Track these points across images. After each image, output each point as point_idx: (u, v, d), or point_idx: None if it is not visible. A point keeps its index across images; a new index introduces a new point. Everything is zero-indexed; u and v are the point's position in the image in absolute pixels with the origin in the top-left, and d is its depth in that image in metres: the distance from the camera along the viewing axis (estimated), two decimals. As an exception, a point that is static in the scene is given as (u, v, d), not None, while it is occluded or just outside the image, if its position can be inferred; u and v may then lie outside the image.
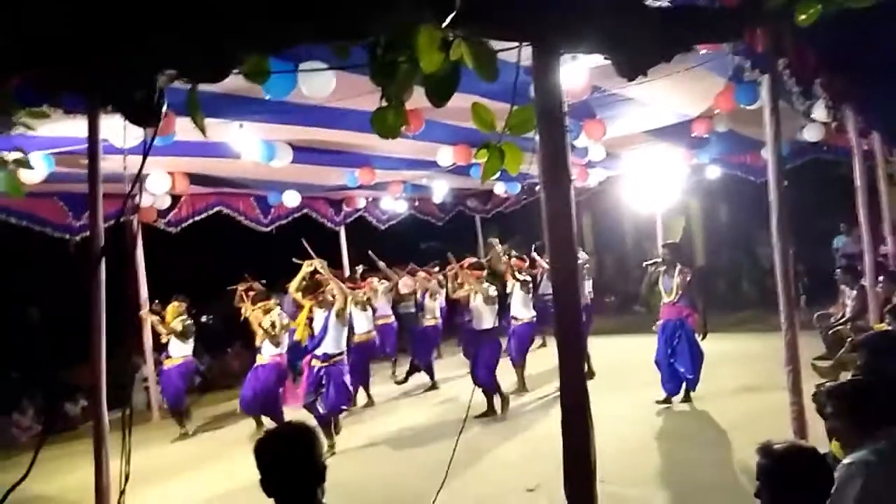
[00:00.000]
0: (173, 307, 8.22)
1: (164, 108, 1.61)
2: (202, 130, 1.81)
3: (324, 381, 6.72)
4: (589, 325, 9.58)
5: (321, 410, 6.69)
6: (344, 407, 7.07)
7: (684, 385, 7.30)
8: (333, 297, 6.81)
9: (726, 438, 5.95)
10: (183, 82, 1.59)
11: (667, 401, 7.28)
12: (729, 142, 9.16)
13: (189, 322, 8.24)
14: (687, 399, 7.29)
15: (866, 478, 2.44)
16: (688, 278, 7.22)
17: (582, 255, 9.62)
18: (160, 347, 8.61)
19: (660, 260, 7.46)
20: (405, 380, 9.67)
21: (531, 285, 8.96)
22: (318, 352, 6.78)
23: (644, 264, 8.05)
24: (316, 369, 6.78)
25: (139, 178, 1.79)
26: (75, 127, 4.33)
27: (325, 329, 6.75)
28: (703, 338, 7.23)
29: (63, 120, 4.06)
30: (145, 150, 1.67)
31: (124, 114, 1.58)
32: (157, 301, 8.70)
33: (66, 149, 5.58)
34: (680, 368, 7.24)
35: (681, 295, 7.22)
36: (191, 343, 8.30)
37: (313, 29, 1.50)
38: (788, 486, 2.17)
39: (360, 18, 1.46)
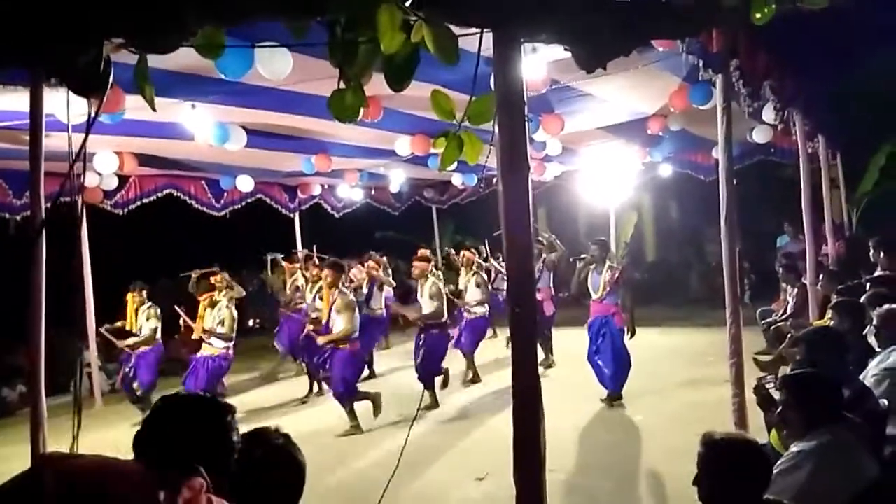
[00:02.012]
0: (132, 297, 7.98)
1: (111, 79, 1.54)
2: (151, 104, 1.74)
3: (328, 364, 7.00)
4: (552, 315, 9.66)
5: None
6: (343, 396, 6.99)
7: (609, 387, 7.12)
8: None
9: (671, 429, 6.09)
10: (131, 52, 1.52)
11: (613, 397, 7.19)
12: (681, 140, 9.37)
13: (154, 308, 8.00)
14: (611, 402, 7.07)
15: (814, 466, 2.54)
16: (616, 276, 7.15)
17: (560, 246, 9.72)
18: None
19: (588, 256, 7.36)
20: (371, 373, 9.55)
21: (486, 278, 9.02)
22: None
23: (571, 259, 8.00)
24: (325, 349, 7.08)
25: (82, 153, 1.71)
26: (16, 100, 4.15)
27: (330, 314, 7.08)
28: (632, 336, 7.15)
29: (3, 93, 3.89)
30: (89, 122, 1.60)
31: (68, 83, 1.50)
32: (105, 326, 8.47)
33: (6, 123, 5.35)
34: (601, 365, 7.14)
35: (608, 292, 7.13)
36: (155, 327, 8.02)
37: (270, 3, 1.45)
38: (726, 475, 2.23)
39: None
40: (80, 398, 2.63)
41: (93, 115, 1.60)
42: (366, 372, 9.44)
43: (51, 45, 1.31)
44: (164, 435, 1.72)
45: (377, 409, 7.11)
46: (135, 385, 7.83)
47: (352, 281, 9.08)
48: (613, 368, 7.08)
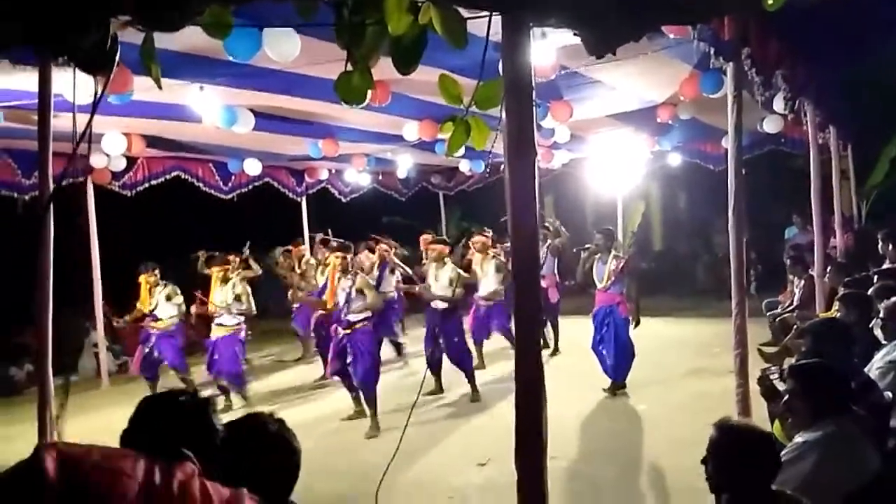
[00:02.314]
0: (146, 278, 7.98)
1: (118, 57, 1.54)
2: (157, 82, 1.73)
3: (348, 350, 6.66)
4: (558, 303, 9.53)
5: (354, 383, 6.73)
6: (371, 375, 6.70)
7: (611, 377, 7.11)
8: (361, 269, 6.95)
9: (675, 419, 6.10)
10: (138, 30, 1.51)
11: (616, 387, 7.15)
12: (691, 129, 9.29)
13: (171, 286, 7.97)
14: (614, 391, 7.07)
15: (819, 457, 2.54)
16: (621, 265, 7.06)
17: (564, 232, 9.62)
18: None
19: (593, 246, 7.24)
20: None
21: (504, 261, 8.39)
22: (342, 319, 6.76)
23: (575, 249, 7.89)
24: (339, 337, 6.76)
25: (87, 133, 1.71)
26: (25, 80, 4.15)
27: (347, 298, 6.71)
28: (636, 325, 7.07)
29: (13, 72, 3.89)
30: (95, 100, 1.60)
31: (74, 60, 1.50)
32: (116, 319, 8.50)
33: (15, 103, 5.35)
34: (605, 354, 7.11)
35: (613, 281, 7.05)
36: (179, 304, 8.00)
37: (276, -19, 1.44)
38: (735, 461, 2.24)
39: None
40: (69, 377, 2.68)
41: (99, 93, 1.60)
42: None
43: (56, 25, 1.31)
44: (151, 429, 1.77)
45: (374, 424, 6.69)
46: (166, 364, 7.86)
47: (361, 268, 9.04)
48: (617, 358, 7.04)
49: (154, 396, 1.99)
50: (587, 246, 7.39)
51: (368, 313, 6.79)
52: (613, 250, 7.22)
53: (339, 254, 7.02)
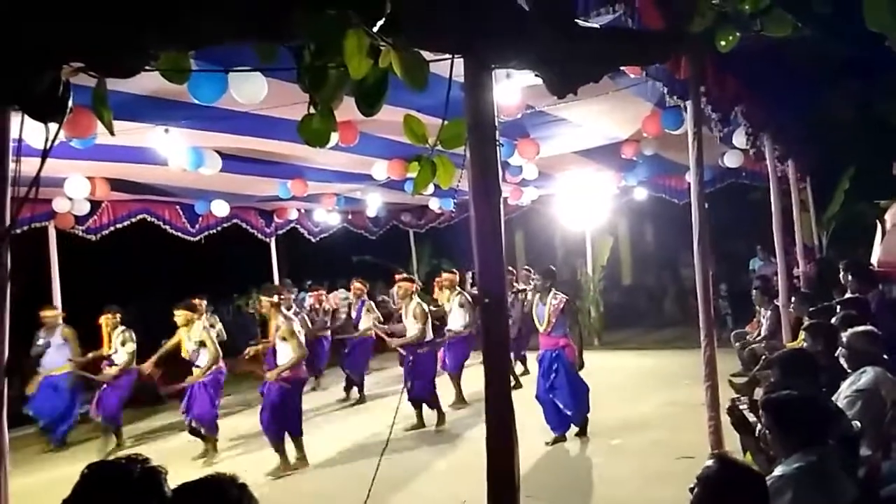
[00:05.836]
0: (107, 319, 7.84)
1: (70, 104, 1.51)
2: (109, 129, 1.71)
3: (267, 398, 6.45)
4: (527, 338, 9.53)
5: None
6: (298, 431, 6.57)
7: (574, 421, 6.75)
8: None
9: (649, 452, 6.07)
10: (90, 76, 1.49)
11: (558, 440, 6.70)
12: (655, 165, 9.50)
13: (127, 332, 7.87)
14: (580, 434, 6.77)
15: (795, 491, 2.53)
16: (561, 306, 6.61)
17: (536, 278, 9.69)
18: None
19: (530, 287, 6.88)
20: (347, 395, 9.58)
21: (469, 299, 8.58)
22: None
23: (509, 293, 7.77)
24: (266, 384, 6.54)
25: (37, 182, 1.67)
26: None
27: (274, 346, 6.56)
28: (580, 368, 6.67)
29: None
30: (45, 148, 1.56)
31: (23, 108, 1.47)
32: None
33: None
34: (559, 404, 6.66)
35: (554, 324, 6.64)
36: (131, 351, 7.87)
37: (233, 27, 1.44)
38: (723, 494, 2.21)
39: (283, 18, 1.41)
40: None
41: (50, 141, 1.57)
42: (356, 396, 9.47)
43: (4, 71, 1.28)
44: (94, 501, 1.72)
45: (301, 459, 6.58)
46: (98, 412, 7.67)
47: (289, 307, 8.90)
48: (575, 405, 6.66)
49: (99, 464, 1.88)
50: (522, 288, 7.09)
51: (290, 362, 6.41)
52: (553, 290, 6.79)
53: (266, 297, 6.75)
